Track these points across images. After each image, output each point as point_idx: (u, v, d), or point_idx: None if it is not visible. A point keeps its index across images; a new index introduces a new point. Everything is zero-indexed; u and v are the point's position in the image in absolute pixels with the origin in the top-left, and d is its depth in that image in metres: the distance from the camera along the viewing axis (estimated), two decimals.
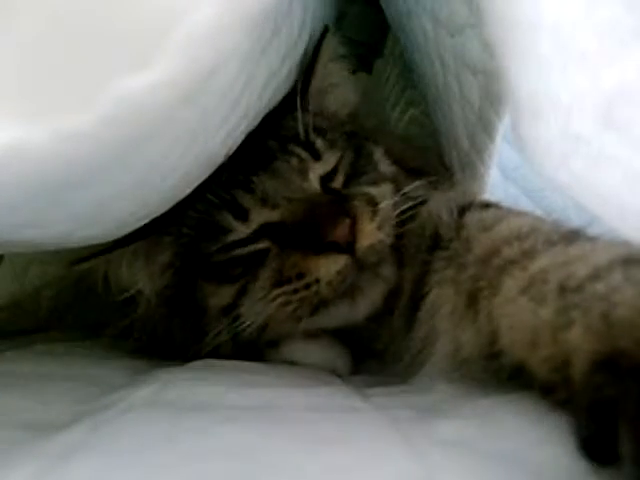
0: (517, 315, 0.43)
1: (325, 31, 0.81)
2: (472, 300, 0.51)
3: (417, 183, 0.73)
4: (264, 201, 0.67)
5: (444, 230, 0.63)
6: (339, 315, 0.66)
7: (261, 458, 0.36)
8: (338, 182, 0.73)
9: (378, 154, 0.80)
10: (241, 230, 0.68)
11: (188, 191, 0.56)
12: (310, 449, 0.38)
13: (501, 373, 0.45)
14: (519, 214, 0.59)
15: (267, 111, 0.64)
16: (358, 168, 0.75)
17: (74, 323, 0.86)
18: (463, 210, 0.63)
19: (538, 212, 1.26)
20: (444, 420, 0.43)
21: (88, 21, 0.30)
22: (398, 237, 0.68)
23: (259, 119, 0.63)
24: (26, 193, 0.36)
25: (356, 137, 0.81)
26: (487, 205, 0.64)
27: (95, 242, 0.55)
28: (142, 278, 0.71)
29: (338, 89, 0.86)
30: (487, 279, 0.50)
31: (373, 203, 0.68)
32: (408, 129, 1.16)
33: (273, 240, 0.66)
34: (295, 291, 0.63)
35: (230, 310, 0.67)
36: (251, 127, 0.61)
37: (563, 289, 0.40)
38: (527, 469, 0.34)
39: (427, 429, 0.42)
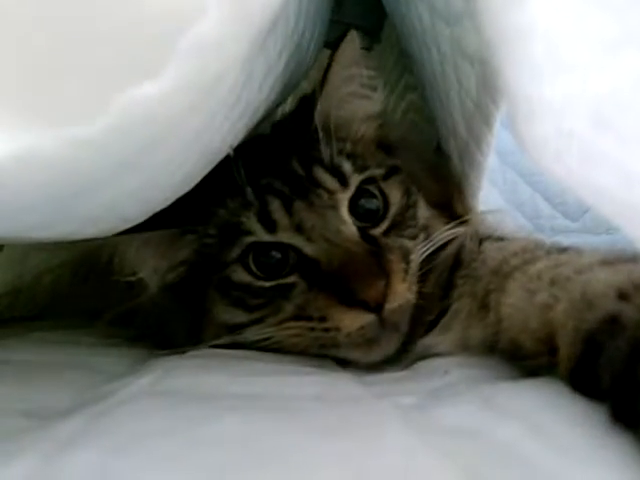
0: (516, 304, 0.52)
1: (345, 31, 0.76)
2: (484, 302, 0.59)
3: (447, 229, 0.73)
4: (300, 230, 0.66)
5: (466, 255, 0.67)
6: (348, 357, 0.66)
7: (263, 447, 0.37)
8: (381, 229, 0.71)
9: (420, 202, 0.77)
10: (262, 236, 0.67)
11: (189, 188, 0.56)
12: (312, 438, 0.39)
13: (497, 350, 0.55)
14: (527, 237, 0.67)
15: (268, 104, 0.64)
16: (405, 219, 0.73)
17: (73, 310, 0.86)
18: (482, 240, 0.68)
19: (536, 197, 1.28)
20: (446, 407, 0.44)
21: (96, 30, 0.30)
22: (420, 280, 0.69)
23: (260, 113, 0.63)
24: (36, 199, 0.37)
25: (403, 176, 0.77)
26: (502, 238, 0.69)
27: (98, 236, 0.56)
28: (147, 268, 0.70)
29: (362, 99, 0.81)
30: (496, 283, 0.58)
31: (407, 258, 0.67)
32: (406, 115, 1.16)
33: (302, 275, 0.66)
34: (312, 329, 0.64)
35: (237, 329, 0.67)
36: (252, 122, 0.61)
37: (553, 282, 0.50)
38: (528, 456, 0.35)
39: (429, 416, 0.43)
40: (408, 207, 0.74)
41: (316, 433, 0.40)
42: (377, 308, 0.61)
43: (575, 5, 0.32)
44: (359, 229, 0.69)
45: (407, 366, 0.62)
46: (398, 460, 0.36)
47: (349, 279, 0.61)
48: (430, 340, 0.65)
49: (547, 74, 0.35)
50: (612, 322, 0.40)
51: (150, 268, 0.70)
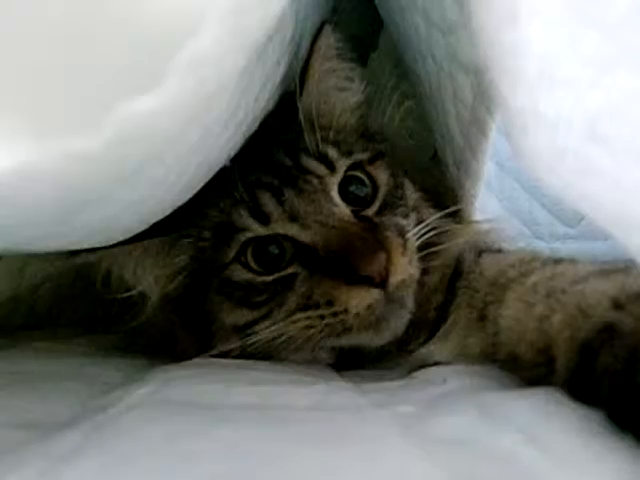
0: (513, 316, 0.54)
1: (321, 27, 0.77)
2: (482, 314, 0.61)
3: (439, 214, 0.74)
4: (293, 218, 0.66)
5: (465, 267, 0.69)
6: (360, 341, 0.67)
7: (261, 458, 0.37)
8: (372, 210, 0.72)
9: (407, 184, 0.78)
10: (257, 230, 0.67)
11: (188, 197, 0.56)
12: (310, 447, 0.39)
13: (495, 361, 0.56)
14: (524, 249, 0.71)
15: (265, 114, 0.64)
16: (395, 199, 0.74)
17: (72, 319, 0.86)
18: (480, 253, 0.70)
19: (534, 204, 1.28)
20: (444, 416, 0.44)
21: (94, 44, 0.31)
22: (422, 272, 0.69)
23: (257, 123, 0.63)
24: (33, 213, 0.37)
25: (390, 160, 0.79)
26: (500, 250, 0.72)
27: (97, 246, 0.56)
28: (148, 279, 0.69)
29: (342, 92, 0.82)
30: (494, 295, 0.60)
31: (403, 234, 0.67)
32: (404, 122, 1.16)
33: (302, 263, 0.66)
34: (321, 317, 0.63)
35: (245, 329, 0.67)
36: (250, 132, 0.61)
37: (549, 294, 0.51)
38: (526, 465, 0.35)
39: (427, 425, 0.43)
40: (396, 187, 0.76)
41: (314, 443, 0.40)
42: (382, 283, 0.61)
43: (568, 24, 0.32)
44: (352, 211, 0.69)
45: (405, 375, 0.62)
46: (396, 469, 0.36)
47: (350, 257, 0.62)
48: (428, 349, 0.65)
49: (542, 90, 0.35)
50: (608, 330, 0.41)
51: (151, 279, 0.69)
